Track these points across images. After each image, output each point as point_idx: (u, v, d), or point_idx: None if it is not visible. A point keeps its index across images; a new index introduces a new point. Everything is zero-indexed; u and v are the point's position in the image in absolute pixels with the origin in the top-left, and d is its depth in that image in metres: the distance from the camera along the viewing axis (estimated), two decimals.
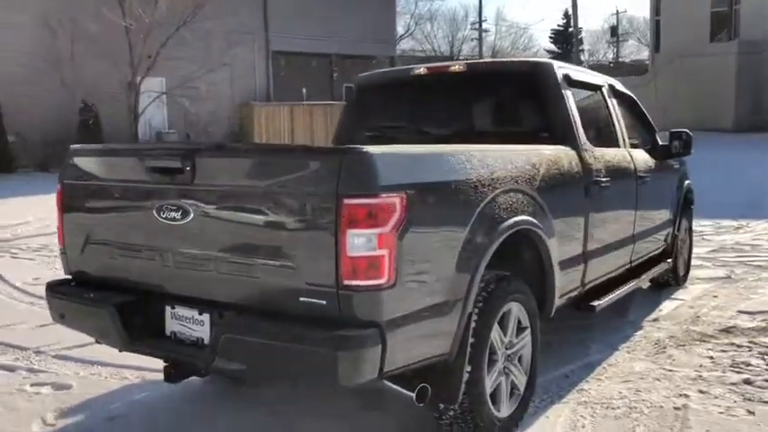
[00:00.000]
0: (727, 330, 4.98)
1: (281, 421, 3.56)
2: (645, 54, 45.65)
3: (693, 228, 9.24)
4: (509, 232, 3.13)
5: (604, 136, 4.72)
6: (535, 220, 3.39)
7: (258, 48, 23.75)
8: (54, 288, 3.29)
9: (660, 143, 5.63)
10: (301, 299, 2.54)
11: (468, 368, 2.99)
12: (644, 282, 5.38)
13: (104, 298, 3.05)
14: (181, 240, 2.85)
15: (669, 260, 5.79)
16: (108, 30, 18.27)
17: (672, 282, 6.18)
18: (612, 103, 4.91)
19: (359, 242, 2.43)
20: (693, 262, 7.14)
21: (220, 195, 2.73)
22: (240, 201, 2.69)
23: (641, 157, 5.11)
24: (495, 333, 3.18)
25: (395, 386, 2.80)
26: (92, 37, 18.22)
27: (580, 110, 4.32)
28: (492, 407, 3.17)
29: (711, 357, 4.45)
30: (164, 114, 21.96)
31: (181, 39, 19.38)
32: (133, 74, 19.45)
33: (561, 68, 4.27)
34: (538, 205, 3.48)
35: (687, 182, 6.28)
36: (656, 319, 5.33)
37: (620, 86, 5.28)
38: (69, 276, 3.36)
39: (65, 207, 3.29)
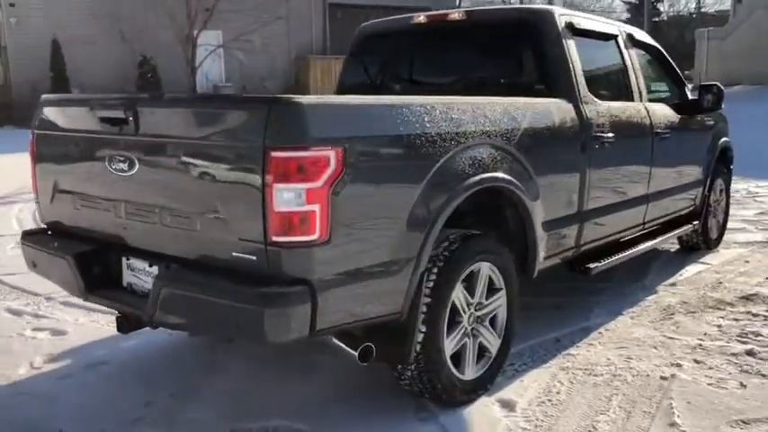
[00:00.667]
0: (748, 298, 4.70)
1: (263, 377, 3.57)
2: (728, 4, 42.92)
3: (747, 188, 8.78)
4: (473, 190, 2.97)
5: (615, 89, 4.45)
6: (510, 177, 3.22)
7: (315, 0, 23.56)
8: (26, 237, 3.35)
9: (690, 97, 5.28)
10: (234, 254, 2.49)
11: (423, 329, 2.89)
12: (660, 244, 5.11)
13: (66, 247, 3.08)
14: (130, 191, 2.84)
15: (696, 222, 5.47)
16: None
17: (702, 245, 5.85)
18: (629, 54, 4.60)
19: (287, 197, 2.34)
20: (735, 225, 6.78)
21: (161, 146, 2.69)
22: (178, 152, 2.63)
23: (661, 112, 4.79)
24: (459, 293, 3.06)
25: (340, 343, 2.75)
26: None
27: (585, 60, 4.06)
28: (453, 369, 3.07)
29: (720, 326, 4.20)
30: (220, 67, 22.19)
31: None
32: (190, 27, 19.65)
33: (564, 16, 4.00)
34: (516, 161, 3.30)
35: (724, 139, 5.88)
36: (673, 284, 5.07)
37: (641, 36, 4.93)
38: (44, 226, 3.42)
39: (36, 157, 3.33)
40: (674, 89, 5.29)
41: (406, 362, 2.89)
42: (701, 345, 3.90)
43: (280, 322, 2.39)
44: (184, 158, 2.60)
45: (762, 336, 4.01)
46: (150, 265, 2.87)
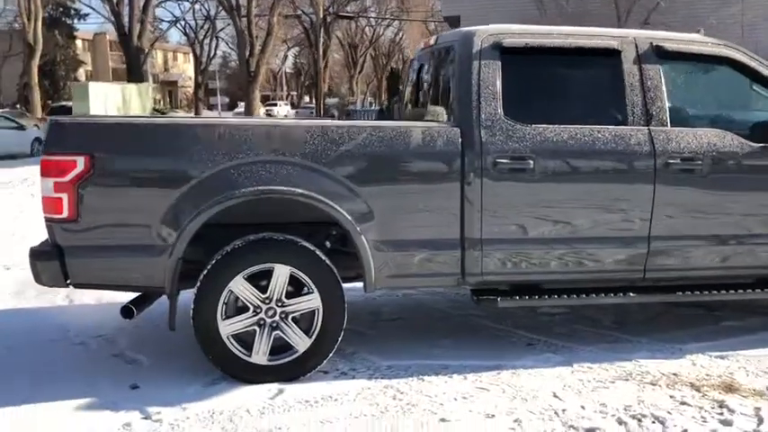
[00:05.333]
0: (760, 394, 3.54)
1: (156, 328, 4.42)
2: None
3: None
4: (246, 198, 3.47)
5: (586, 110, 3.93)
6: (310, 192, 3.51)
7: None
8: None
9: None
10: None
11: (193, 306, 3.56)
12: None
13: None
14: None
15: None
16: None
17: None
18: (639, 71, 3.90)
19: (47, 186, 3.45)
20: None
21: None
22: None
23: (694, 140, 3.89)
24: (241, 286, 3.55)
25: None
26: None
27: (522, 81, 3.84)
28: (234, 348, 3.58)
29: (642, 401, 3.42)
30: None
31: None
32: None
33: (494, 36, 3.82)
34: (329, 179, 3.56)
35: None
36: (721, 357, 4.00)
37: (680, 46, 4.01)
38: None
39: None
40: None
41: (170, 327, 3.61)
42: (564, 411, 3.34)
43: (43, 271, 3.52)
44: None
45: (665, 425, 3.18)
46: None
